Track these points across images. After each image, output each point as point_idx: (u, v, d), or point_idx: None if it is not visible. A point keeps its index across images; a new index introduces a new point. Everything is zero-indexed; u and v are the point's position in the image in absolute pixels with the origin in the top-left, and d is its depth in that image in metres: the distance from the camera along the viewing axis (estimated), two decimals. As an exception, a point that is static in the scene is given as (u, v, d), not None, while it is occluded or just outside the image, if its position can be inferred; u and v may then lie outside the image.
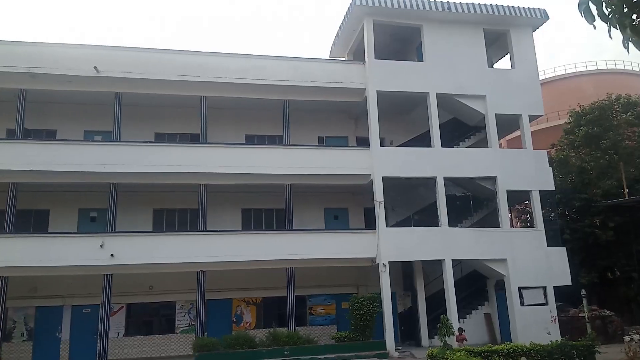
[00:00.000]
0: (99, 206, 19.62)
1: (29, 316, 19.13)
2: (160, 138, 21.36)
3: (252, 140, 22.18)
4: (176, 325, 20.20)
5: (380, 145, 20.87)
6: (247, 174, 19.51)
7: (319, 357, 17.66)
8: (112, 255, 17.69)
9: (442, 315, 16.60)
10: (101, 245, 17.71)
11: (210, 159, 19.43)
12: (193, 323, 19.83)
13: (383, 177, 20.06)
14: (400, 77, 21.17)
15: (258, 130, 22.33)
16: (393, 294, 19.82)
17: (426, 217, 21.42)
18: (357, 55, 22.76)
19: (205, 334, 18.37)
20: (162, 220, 21.03)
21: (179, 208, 21.13)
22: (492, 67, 24.06)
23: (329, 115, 22.88)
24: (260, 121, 22.09)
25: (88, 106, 20.31)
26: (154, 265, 18.40)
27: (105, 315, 17.82)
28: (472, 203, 22.33)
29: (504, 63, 24.76)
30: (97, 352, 17.75)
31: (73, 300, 19.32)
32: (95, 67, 18.68)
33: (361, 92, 21.18)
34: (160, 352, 19.66)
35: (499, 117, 21.57)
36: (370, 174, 20.28)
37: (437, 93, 21.11)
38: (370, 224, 21.32)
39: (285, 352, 17.49)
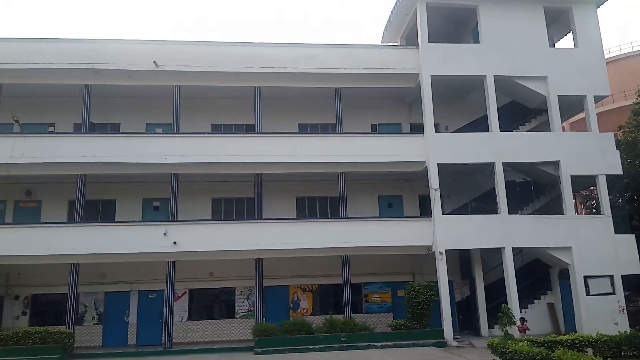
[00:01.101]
0: (161, 196, 20.45)
1: (98, 301, 20.24)
2: (217, 129, 21.88)
3: (305, 129, 22.32)
4: (236, 311, 20.77)
5: (435, 131, 20.48)
6: (301, 163, 19.69)
7: (376, 344, 17.72)
8: (174, 242, 18.39)
9: (502, 305, 16.19)
10: (164, 233, 18.44)
11: (265, 149, 19.73)
12: (252, 309, 20.35)
13: (438, 164, 19.69)
14: (455, 60, 20.61)
15: (311, 119, 22.42)
16: (450, 282, 19.54)
17: (484, 204, 20.85)
18: (410, 39, 22.33)
19: (264, 319, 18.83)
20: (220, 209, 21.61)
21: (236, 197, 21.63)
22: (554, 46, 22.96)
23: (382, 102, 22.64)
24: (313, 110, 22.17)
25: (149, 100, 21.07)
26: (213, 252, 18.94)
27: (169, 300, 18.59)
28: (534, 189, 21.49)
29: (566, 42, 23.62)
30: (162, 335, 18.62)
31: (139, 286, 20.27)
32: (154, 62, 19.33)
33: (415, 77, 20.81)
34: (222, 336, 20.31)
35: (562, 99, 20.60)
36: (424, 161, 19.95)
37: (494, 75, 20.42)
38: (425, 211, 21.05)
39: (342, 339, 17.66)
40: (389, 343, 17.80)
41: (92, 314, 20.13)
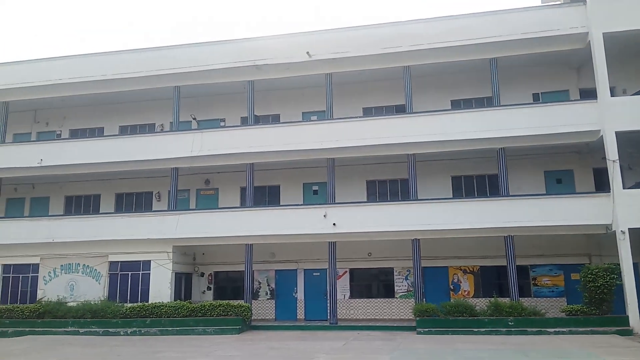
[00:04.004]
0: (319, 180, 21.52)
1: (270, 278, 22.11)
2: (368, 112, 22.18)
3: (457, 105, 21.49)
4: (395, 290, 21.05)
5: (611, 96, 18.17)
6: (454, 141, 19.09)
7: (548, 330, 16.58)
8: (334, 224, 19.22)
9: None
10: (324, 216, 19.39)
11: (417, 128, 19.49)
12: (411, 289, 20.45)
13: (616, 132, 17.49)
14: (632, 12, 18.02)
15: (464, 94, 21.52)
16: (635, 264, 17.32)
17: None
18: (576, -5, 20.00)
19: (424, 300, 18.78)
20: (374, 191, 21.98)
21: (389, 178, 21.78)
22: None
23: (544, 69, 20.73)
24: (465, 84, 21.27)
25: (304, 89, 22.18)
26: (369, 233, 19.40)
27: (332, 278, 19.56)
28: None
29: None
30: (328, 311, 19.71)
31: (305, 265, 21.65)
32: (307, 53, 20.25)
33: (583, 37, 18.68)
34: (382, 314, 20.80)
35: None
36: (599, 130, 17.89)
37: (685, 25, 17.39)
38: (601, 186, 18.97)
39: (510, 323, 16.84)
40: (564, 329, 16.51)
41: (265, 289, 22.08)
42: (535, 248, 19.54)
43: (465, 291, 20.51)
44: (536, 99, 20.90)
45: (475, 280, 20.57)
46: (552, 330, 16.55)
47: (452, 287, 20.63)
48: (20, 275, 22.12)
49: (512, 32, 19.09)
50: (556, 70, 20.75)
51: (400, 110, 21.24)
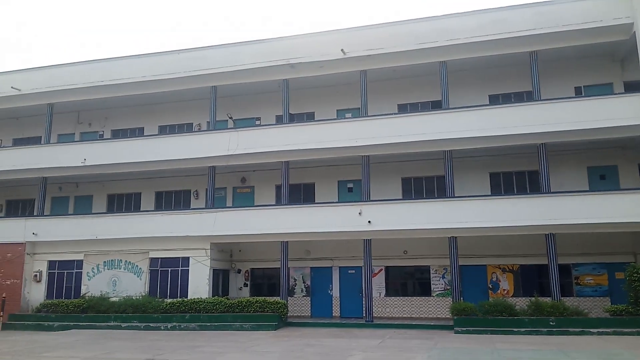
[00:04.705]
0: (354, 177, 21.47)
1: (305, 275, 22.22)
2: (403, 109, 21.98)
3: (496, 100, 21.04)
4: (432, 289, 20.82)
5: (658, 88, 17.49)
6: (493, 137, 18.68)
7: (591, 330, 16.08)
8: (369, 222, 19.15)
9: None
10: (359, 213, 19.33)
11: (453, 124, 19.17)
12: (448, 288, 20.18)
13: (664, 126, 16.82)
14: (682, 0, 17.21)
15: (502, 88, 21.05)
16: (685, 263, 16.63)
17: None
18: (620, -16, 19.25)
19: (461, 299, 18.51)
20: (410, 188, 21.77)
21: (425, 175, 21.54)
22: None
23: (587, 61, 20.09)
24: (503, 79, 20.83)
25: (338, 87, 22.17)
26: (405, 231, 19.24)
27: (367, 276, 19.51)
28: None
29: None
30: (363, 308, 19.67)
31: (340, 262, 21.66)
32: (342, 50, 20.21)
33: (627, 27, 18.01)
34: (418, 313, 20.60)
35: None
36: (646, 124, 17.22)
37: None
38: (648, 182, 18.26)
39: (551, 323, 16.42)
40: (607, 330, 15.98)
41: (301, 286, 22.22)
42: (578, 246, 18.99)
43: (504, 290, 20.10)
44: (578, 92, 20.28)
45: (514, 279, 20.12)
46: (595, 330, 16.04)
47: (490, 286, 20.25)
48: (65, 271, 22.97)
49: (553, 25, 18.57)
50: (599, 62, 20.08)
51: (436, 106, 20.98)
